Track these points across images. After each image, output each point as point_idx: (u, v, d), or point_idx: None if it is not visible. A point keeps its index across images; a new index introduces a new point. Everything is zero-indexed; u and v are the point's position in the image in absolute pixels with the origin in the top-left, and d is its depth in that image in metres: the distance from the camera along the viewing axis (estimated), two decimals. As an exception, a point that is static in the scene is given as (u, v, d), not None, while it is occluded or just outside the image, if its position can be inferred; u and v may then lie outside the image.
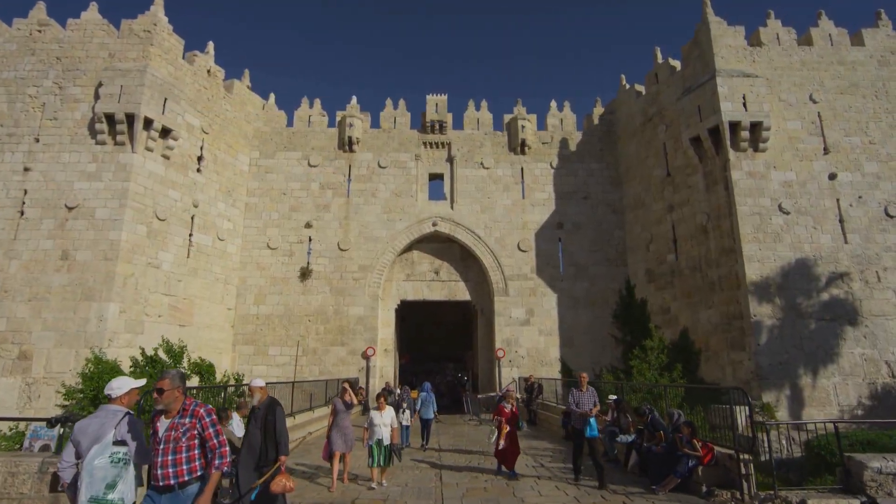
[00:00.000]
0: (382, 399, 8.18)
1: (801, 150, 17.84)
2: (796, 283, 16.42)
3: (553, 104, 24.06)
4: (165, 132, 18.02)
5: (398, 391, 21.29)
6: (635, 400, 11.22)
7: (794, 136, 18.00)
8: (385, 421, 7.94)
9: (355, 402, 7.98)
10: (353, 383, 8.15)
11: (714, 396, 14.86)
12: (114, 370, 14.52)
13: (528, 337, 21.26)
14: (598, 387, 12.01)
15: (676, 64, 20.93)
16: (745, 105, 17.61)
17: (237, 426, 7.39)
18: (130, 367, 15.55)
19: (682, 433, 7.23)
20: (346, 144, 22.86)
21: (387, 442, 7.86)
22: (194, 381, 16.64)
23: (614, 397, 9.92)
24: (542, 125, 23.94)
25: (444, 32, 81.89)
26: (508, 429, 8.49)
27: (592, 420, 7.96)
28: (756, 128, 17.56)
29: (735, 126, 17.57)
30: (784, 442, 12.92)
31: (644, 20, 76.04)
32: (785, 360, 15.79)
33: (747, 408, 7.35)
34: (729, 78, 17.89)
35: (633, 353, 14.36)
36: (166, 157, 18.25)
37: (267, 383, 14.55)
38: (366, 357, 20.79)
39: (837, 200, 17.30)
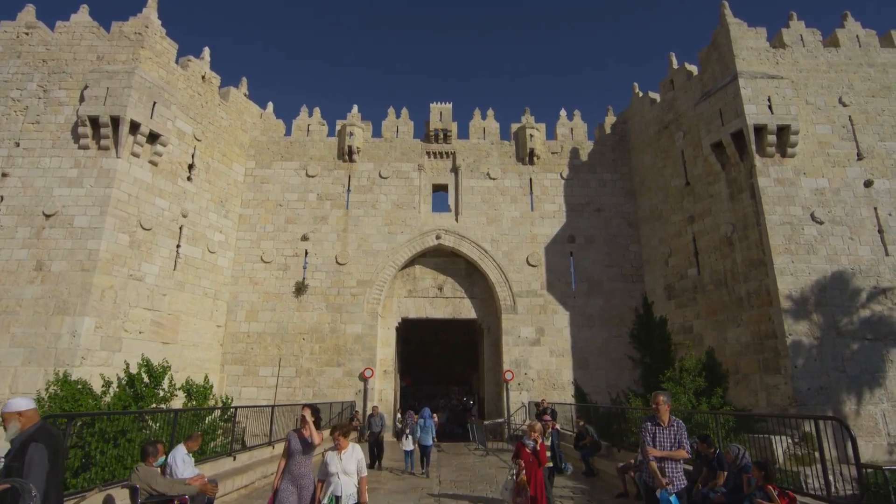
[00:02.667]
0: (339, 434, 5.29)
1: (833, 155, 16.57)
2: (834, 298, 14.94)
3: (563, 113, 23.02)
4: (154, 137, 17.06)
5: (399, 415, 19.84)
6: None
7: (825, 140, 16.75)
8: (347, 467, 5.12)
9: (317, 440, 5.35)
10: (317, 410, 5.57)
11: (747, 425, 13.33)
12: (81, 392, 13.13)
13: (539, 358, 19.75)
14: (626, 416, 10.43)
15: (693, 69, 19.88)
16: (770, 107, 16.43)
17: (181, 463, 5.96)
18: (102, 387, 14.10)
19: (750, 475, 5.74)
20: (346, 154, 21.84)
21: (351, 501, 5.14)
22: (177, 403, 15.20)
23: (649, 426, 8.39)
24: (551, 134, 22.87)
25: (449, 44, 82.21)
26: (530, 478, 6.18)
27: (672, 498, 4.91)
28: (783, 132, 16.34)
29: (760, 130, 16.36)
30: (831, 478, 11.40)
31: (653, 31, 76.00)
32: (826, 385, 14.22)
33: (850, 442, 5.76)
34: (752, 79, 16.76)
35: (664, 374, 12.80)
36: (154, 164, 17.24)
37: (250, 406, 13.07)
38: (364, 379, 19.33)
39: (875, 209, 15.94)
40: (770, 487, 5.47)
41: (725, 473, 6.16)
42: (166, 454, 5.96)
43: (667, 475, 5.05)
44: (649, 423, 5.35)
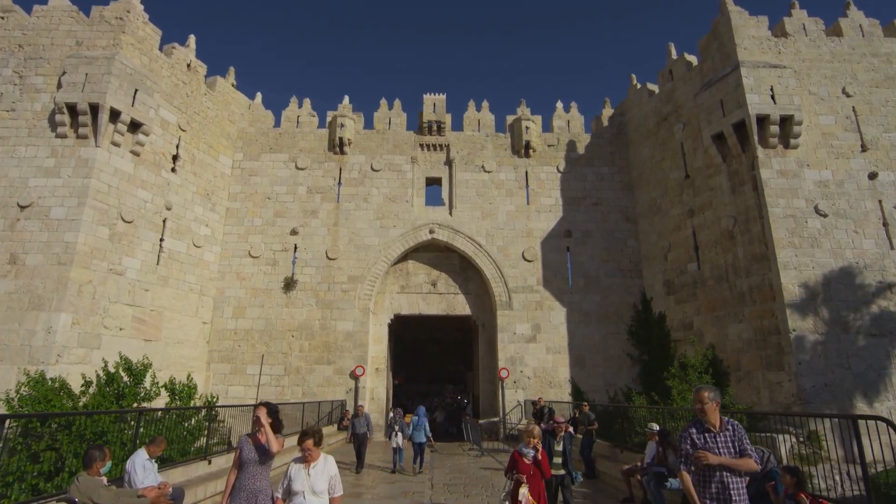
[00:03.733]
0: (309, 441, 4.24)
1: (837, 146, 16.15)
2: (839, 293, 14.52)
3: (559, 105, 22.51)
4: (135, 126, 16.39)
5: (391, 415, 19.27)
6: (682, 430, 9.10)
7: (828, 131, 16.33)
8: (316, 485, 4.12)
9: (275, 447, 4.36)
10: (275, 410, 4.54)
11: (750, 424, 12.87)
12: (57, 392, 12.47)
13: (535, 355, 19.24)
14: (629, 415, 9.88)
15: (693, 59, 19.41)
16: (773, 97, 15.99)
17: (141, 470, 5.34)
18: (81, 386, 13.44)
19: (777, 482, 5.21)
20: (337, 146, 21.22)
21: None
22: (161, 402, 14.55)
23: (656, 427, 7.84)
24: (547, 127, 22.35)
25: (445, 44, 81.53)
26: (532, 495, 5.03)
27: None
28: (786, 122, 15.90)
29: (763, 120, 15.92)
30: (837, 478, 11.01)
31: (651, 31, 75.64)
32: (831, 382, 13.80)
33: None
34: (754, 69, 16.31)
35: (669, 371, 12.30)
36: (136, 154, 16.57)
37: (228, 406, 12.42)
38: (355, 377, 18.75)
39: (880, 202, 15.53)
40: (803, 496, 4.94)
41: (748, 479, 5.61)
42: (116, 460, 5.34)
43: (732, 498, 3.64)
44: (694, 430, 3.95)
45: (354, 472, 11.55)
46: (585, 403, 11.58)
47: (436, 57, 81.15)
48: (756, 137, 15.90)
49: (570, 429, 8.64)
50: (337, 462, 4.50)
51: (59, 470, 10.76)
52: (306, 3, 78.75)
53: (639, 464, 7.46)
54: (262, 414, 4.39)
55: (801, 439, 13.06)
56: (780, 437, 12.46)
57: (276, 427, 4.50)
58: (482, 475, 10.99)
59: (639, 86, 21.74)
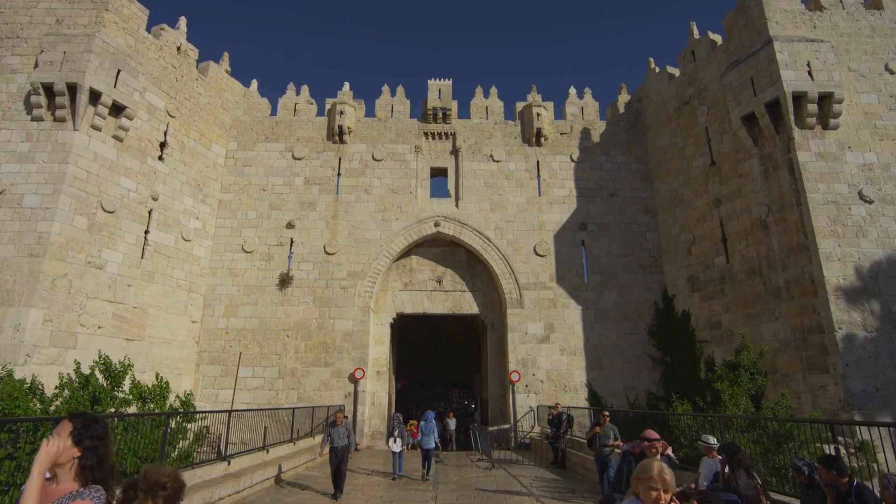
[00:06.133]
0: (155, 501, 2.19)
1: (881, 127, 14.73)
2: (889, 286, 13.08)
3: (572, 91, 21.17)
4: (118, 109, 15.25)
5: (394, 421, 17.93)
6: (746, 443, 7.57)
7: (871, 111, 14.92)
8: None
9: None
10: (95, 435, 2.12)
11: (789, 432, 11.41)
12: (26, 393, 11.25)
13: (548, 357, 17.85)
14: (668, 423, 8.47)
15: (717, 38, 18.06)
16: (810, 74, 14.60)
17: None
18: (56, 388, 12.22)
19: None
20: (337, 135, 19.99)
21: None
22: (134, 409, 13.25)
23: (713, 440, 6.35)
24: (559, 114, 21.02)
25: (450, 45, 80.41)
26: None
27: None
28: (825, 100, 14.50)
29: (799, 99, 14.52)
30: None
31: (661, 20, 74.03)
32: (883, 385, 12.34)
33: None
34: (789, 43, 14.93)
35: (717, 371, 10.87)
36: (119, 140, 15.41)
37: (185, 412, 11.07)
38: (354, 380, 17.43)
39: (931, 187, 14.08)
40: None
41: None
42: None
43: None
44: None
45: (333, 497, 9.07)
46: (606, 413, 9.77)
47: (438, 57, 79.95)
48: (792, 117, 14.51)
49: (670, 450, 6.52)
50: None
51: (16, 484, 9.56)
52: (306, 2, 77.99)
53: (693, 486, 6.06)
54: (57, 439, 2.11)
55: (852, 450, 11.65)
56: (827, 447, 11.04)
57: (90, 471, 2.17)
58: (495, 495, 9.57)
59: (657, 69, 20.38)
